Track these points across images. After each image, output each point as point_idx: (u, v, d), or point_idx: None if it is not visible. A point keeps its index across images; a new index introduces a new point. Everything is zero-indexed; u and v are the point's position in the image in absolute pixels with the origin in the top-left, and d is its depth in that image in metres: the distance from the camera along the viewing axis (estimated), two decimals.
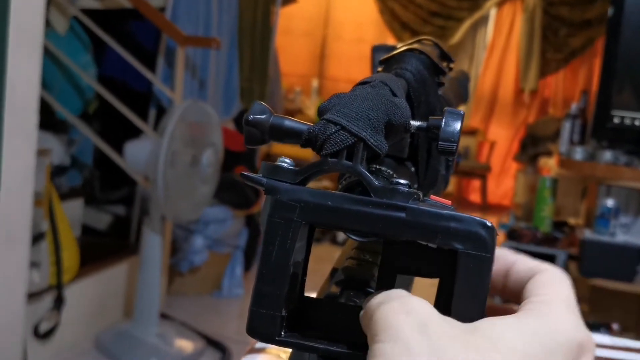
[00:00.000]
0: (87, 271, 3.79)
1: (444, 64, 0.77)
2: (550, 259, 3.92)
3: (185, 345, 3.80)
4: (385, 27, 9.33)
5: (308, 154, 7.49)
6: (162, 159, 3.36)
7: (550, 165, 6.23)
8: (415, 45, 0.72)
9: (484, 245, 0.49)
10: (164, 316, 3.94)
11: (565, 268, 3.98)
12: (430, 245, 0.51)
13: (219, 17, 4.51)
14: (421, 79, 0.69)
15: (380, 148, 0.54)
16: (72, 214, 3.96)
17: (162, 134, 3.40)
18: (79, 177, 4.48)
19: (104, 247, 4.24)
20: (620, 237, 3.90)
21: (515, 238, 4.01)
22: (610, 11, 4.02)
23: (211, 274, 4.80)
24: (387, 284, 0.55)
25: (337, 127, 0.53)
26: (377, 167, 0.59)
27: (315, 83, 9.34)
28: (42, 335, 3.44)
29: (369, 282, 0.59)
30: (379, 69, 0.74)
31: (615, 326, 3.72)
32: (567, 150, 4.14)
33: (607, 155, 3.90)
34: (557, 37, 8.95)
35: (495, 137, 9.42)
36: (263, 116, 0.56)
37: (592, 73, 8.68)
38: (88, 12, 4.02)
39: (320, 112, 0.56)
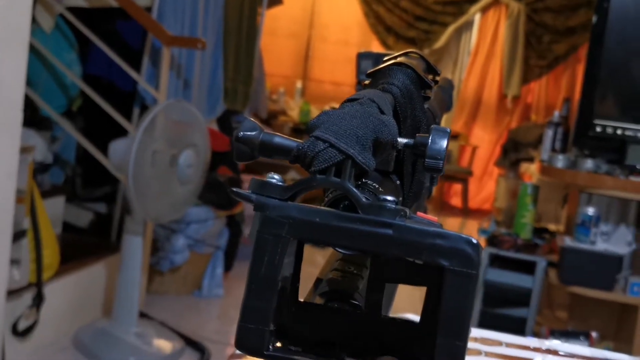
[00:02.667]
0: (67, 269, 3.78)
1: (430, 77, 0.78)
2: (530, 265, 3.94)
3: (164, 345, 3.80)
4: (370, 30, 9.33)
5: None
6: (133, 156, 3.35)
7: (531, 171, 6.25)
8: (402, 59, 0.73)
9: (470, 262, 0.50)
10: (143, 315, 3.94)
11: (545, 275, 4.00)
12: (416, 261, 0.52)
13: (204, 18, 4.51)
14: (408, 93, 0.70)
15: (368, 165, 0.55)
16: (53, 211, 3.94)
17: (137, 131, 3.40)
18: (62, 175, 4.47)
19: (84, 245, 4.22)
20: (601, 245, 3.91)
21: (495, 244, 4.02)
22: (594, 19, 4.04)
23: (191, 274, 4.79)
24: (376, 293, 0.56)
25: (326, 144, 0.54)
26: (363, 180, 0.60)
27: (299, 84, 9.33)
28: (21, 332, 3.43)
29: (353, 295, 0.60)
30: (366, 82, 0.74)
31: (594, 334, 3.74)
32: (549, 157, 4.16)
33: (589, 163, 3.92)
34: (541, 44, 8.99)
35: (477, 142, 9.44)
36: (253, 133, 0.56)
37: (574, 80, 8.71)
38: (74, 10, 4.01)
39: (309, 129, 0.56)
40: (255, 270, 0.52)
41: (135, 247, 3.74)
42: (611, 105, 4.04)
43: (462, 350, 0.51)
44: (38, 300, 3.46)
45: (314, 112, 8.39)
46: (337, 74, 9.50)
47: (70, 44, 4.18)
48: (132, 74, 3.90)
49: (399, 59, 0.73)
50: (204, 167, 3.76)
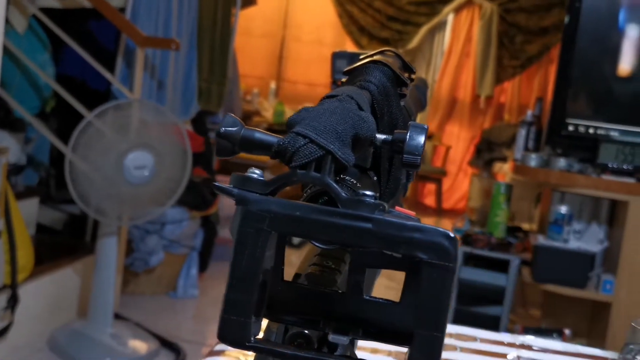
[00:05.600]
0: (41, 270, 3.76)
1: (406, 75, 0.79)
2: (504, 264, 3.96)
3: (140, 345, 3.79)
4: (344, 30, 9.35)
5: (260, 156, 7.50)
6: (76, 133, 3.36)
7: (504, 170, 6.29)
8: (378, 57, 0.74)
9: (447, 255, 0.51)
10: (118, 316, 3.93)
11: (519, 273, 4.02)
12: (394, 255, 0.53)
13: (178, 18, 4.50)
14: (384, 91, 0.71)
15: (348, 161, 0.56)
16: (27, 212, 3.93)
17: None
18: (36, 176, 4.45)
19: (59, 246, 4.21)
20: (573, 244, 3.94)
21: (469, 243, 4.04)
22: (566, 19, 4.07)
23: (166, 275, 4.79)
24: (357, 275, 0.57)
25: (306, 140, 0.55)
26: (342, 176, 0.61)
27: (273, 85, 9.33)
28: None
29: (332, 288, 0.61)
30: (343, 79, 0.75)
31: (567, 332, 3.76)
32: (522, 156, 4.19)
33: (561, 162, 3.95)
34: (514, 44, 9.03)
35: (451, 142, 9.47)
36: (234, 128, 0.57)
37: (547, 80, 8.76)
38: (47, 11, 3.99)
39: (290, 125, 0.57)
40: (237, 263, 0.53)
41: (109, 248, 3.73)
42: (583, 104, 4.07)
43: (439, 341, 0.52)
44: (13, 301, 3.44)
45: (288, 112, 8.38)
46: (311, 74, 9.50)
47: (43, 45, 4.16)
48: (106, 74, 3.89)
49: (375, 57, 0.74)
50: (169, 173, 3.66)
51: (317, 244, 0.57)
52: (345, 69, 0.75)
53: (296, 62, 9.68)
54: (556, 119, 4.04)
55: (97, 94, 4.29)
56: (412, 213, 0.55)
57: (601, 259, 3.98)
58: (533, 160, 4.05)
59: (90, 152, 3.46)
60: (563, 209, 3.93)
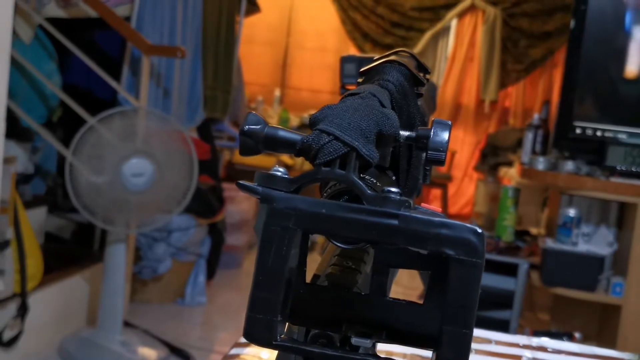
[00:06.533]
0: (50, 279, 3.77)
1: (421, 75, 0.79)
2: (512, 268, 3.96)
3: (149, 353, 3.79)
4: (347, 37, 9.35)
5: (265, 162, 7.42)
6: (78, 136, 3.37)
7: (510, 174, 6.28)
8: (393, 57, 0.74)
9: (475, 251, 0.51)
10: (127, 324, 3.93)
11: (528, 277, 4.02)
12: (420, 252, 0.53)
13: (183, 26, 4.51)
14: (402, 90, 0.71)
15: (372, 157, 0.56)
16: (35, 221, 3.93)
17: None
18: (43, 185, 4.45)
19: (67, 254, 4.21)
20: (582, 247, 3.93)
21: None
22: (572, 23, 4.06)
23: (174, 282, 4.78)
24: (380, 276, 0.57)
25: (331, 137, 0.55)
26: (362, 175, 0.61)
27: (277, 92, 9.33)
28: (6, 343, 3.42)
29: (352, 289, 0.61)
30: (359, 79, 0.75)
31: (577, 335, 3.75)
32: (530, 160, 4.17)
33: (569, 165, 3.93)
34: (517, 48, 9.02)
35: (456, 147, 9.46)
36: (258, 126, 0.57)
37: (551, 84, 8.75)
38: (53, 21, 4.00)
39: (312, 122, 0.57)
40: (262, 262, 0.53)
41: (118, 256, 3.73)
42: (590, 107, 4.06)
43: (468, 338, 0.52)
44: (22, 310, 3.45)
45: (293, 119, 8.39)
46: (315, 81, 9.50)
47: (49, 54, 4.17)
48: (112, 83, 3.90)
49: (390, 57, 0.74)
50: (173, 180, 3.63)
51: (337, 244, 0.57)
52: (362, 69, 0.75)
53: (300, 69, 9.68)
54: (563, 121, 4.03)
55: (104, 103, 4.29)
56: (438, 209, 0.55)
57: (610, 261, 3.97)
58: (541, 163, 4.04)
59: (91, 159, 3.46)
60: (571, 212, 3.92)
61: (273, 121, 8.29)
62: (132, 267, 4.22)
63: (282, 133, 0.57)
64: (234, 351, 1.29)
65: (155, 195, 3.56)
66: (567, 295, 3.90)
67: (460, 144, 9.50)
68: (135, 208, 3.57)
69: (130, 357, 3.69)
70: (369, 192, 0.54)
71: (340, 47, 9.40)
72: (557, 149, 4.15)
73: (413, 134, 0.60)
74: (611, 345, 3.80)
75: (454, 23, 9.32)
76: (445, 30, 9.34)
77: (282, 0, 9.49)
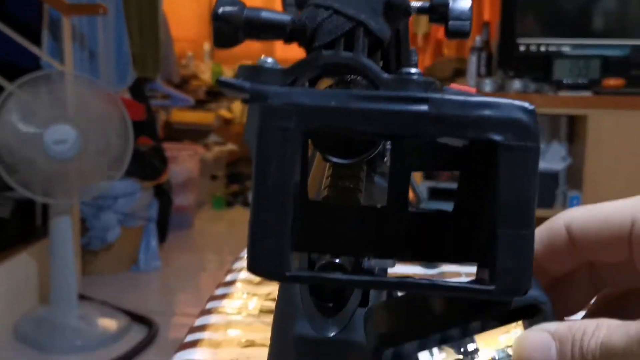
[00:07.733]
0: None
1: None
2: None
3: (109, 324, 3.70)
4: None
5: (205, 119, 7.29)
6: None
7: None
8: None
9: (528, 133, 0.39)
10: (83, 297, 3.83)
11: None
12: (462, 141, 0.41)
13: None
14: None
15: (383, 33, 0.44)
16: None
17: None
18: None
19: (9, 234, 4.08)
20: None
21: (432, 177, 4.03)
22: None
23: (126, 250, 4.68)
24: (399, 182, 0.45)
25: (329, 11, 0.43)
26: (352, 77, 0.49)
27: (207, 46, 9.18)
28: None
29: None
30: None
31: None
32: (476, 83, 4.15)
33: (516, 84, 3.94)
34: None
35: None
36: (234, 8, 0.45)
37: (481, 6, 8.72)
38: None
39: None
40: (261, 177, 0.40)
41: (63, 229, 3.61)
42: (532, 22, 4.05)
43: (530, 240, 0.40)
44: None
45: (227, 72, 8.27)
46: None
47: None
48: (34, 49, 3.75)
49: None
50: (104, 145, 3.51)
51: (333, 159, 0.45)
52: None
53: None
54: (506, 40, 4.03)
55: (27, 72, 4.14)
56: (471, 89, 0.44)
57: (565, 176, 3.99)
58: (487, 85, 4.02)
59: (11, 129, 3.33)
60: None
61: (206, 76, 8.18)
62: (79, 239, 4.10)
63: (265, 14, 0.46)
64: (200, 321, 1.16)
65: (84, 161, 3.43)
66: None
67: None
68: (66, 176, 3.45)
69: (90, 330, 3.61)
70: (385, 75, 0.42)
71: None
72: (503, 69, 4.14)
73: (426, 3, 0.49)
74: None
75: None
76: None
77: None
